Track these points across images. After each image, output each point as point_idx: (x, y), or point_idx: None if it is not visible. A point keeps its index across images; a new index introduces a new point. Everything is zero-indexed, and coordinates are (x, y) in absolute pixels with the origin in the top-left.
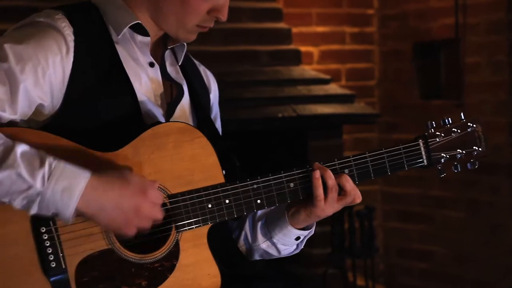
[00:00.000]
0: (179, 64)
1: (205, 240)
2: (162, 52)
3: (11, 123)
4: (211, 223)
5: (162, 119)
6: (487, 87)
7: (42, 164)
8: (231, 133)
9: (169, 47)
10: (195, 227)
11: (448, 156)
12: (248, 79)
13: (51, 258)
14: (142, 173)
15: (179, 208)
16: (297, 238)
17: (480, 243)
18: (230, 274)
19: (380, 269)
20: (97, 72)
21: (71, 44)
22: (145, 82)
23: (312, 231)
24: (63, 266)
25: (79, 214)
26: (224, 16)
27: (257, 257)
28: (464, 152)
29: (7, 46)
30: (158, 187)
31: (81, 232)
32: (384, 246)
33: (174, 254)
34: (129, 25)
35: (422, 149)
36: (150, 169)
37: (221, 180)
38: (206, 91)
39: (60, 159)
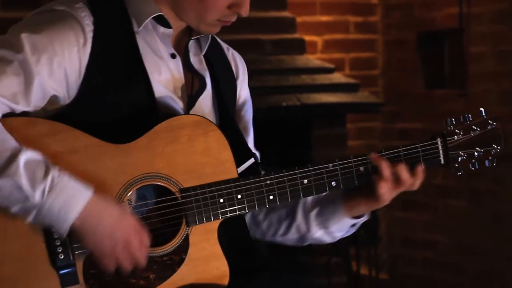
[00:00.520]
0: (203, 53)
1: (215, 235)
2: (186, 42)
3: (24, 113)
4: (222, 218)
5: (181, 112)
6: (491, 77)
7: (45, 176)
8: None
9: (193, 38)
10: (206, 221)
11: (466, 155)
12: (252, 68)
13: (60, 251)
14: (155, 165)
15: (190, 202)
16: (353, 225)
17: (483, 232)
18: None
19: (383, 258)
20: (115, 63)
21: (90, 35)
22: (165, 74)
23: (367, 216)
24: (71, 259)
25: (73, 230)
26: (245, 12)
27: (307, 243)
28: (482, 150)
29: (23, 36)
30: (172, 180)
31: None
32: (387, 235)
33: (183, 248)
34: (151, 17)
35: (440, 148)
36: (162, 162)
37: (235, 174)
38: (232, 78)
39: (65, 172)
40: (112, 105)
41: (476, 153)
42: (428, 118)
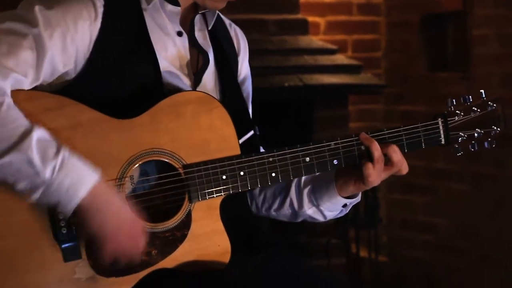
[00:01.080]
0: (209, 29)
1: (218, 211)
2: (192, 18)
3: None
4: (224, 194)
5: (186, 88)
6: (494, 60)
7: (56, 154)
8: None
9: (199, 12)
10: (208, 198)
11: (466, 135)
12: (255, 47)
13: (63, 224)
14: (159, 141)
15: (193, 178)
16: (344, 205)
17: (484, 216)
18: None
19: (383, 241)
20: (122, 40)
21: (100, 10)
22: (171, 51)
23: (358, 198)
24: (74, 233)
25: (79, 209)
26: None
27: (300, 220)
28: (482, 131)
29: (37, 10)
30: (175, 155)
31: None
32: (387, 217)
33: (185, 224)
34: None
35: (441, 128)
36: (166, 137)
37: (237, 151)
38: (234, 54)
39: (74, 153)
40: (118, 80)
41: (476, 134)
42: (430, 101)
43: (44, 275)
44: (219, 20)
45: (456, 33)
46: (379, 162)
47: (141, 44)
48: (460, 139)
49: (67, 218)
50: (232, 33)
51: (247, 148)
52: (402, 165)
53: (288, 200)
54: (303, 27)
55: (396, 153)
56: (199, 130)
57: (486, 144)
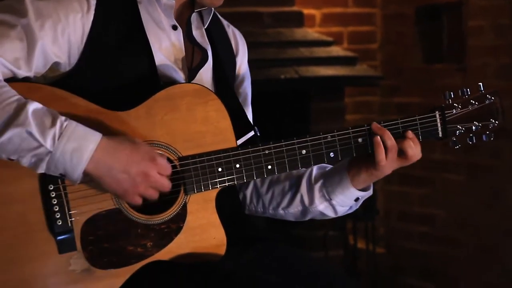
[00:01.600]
0: (205, 27)
1: (213, 204)
2: (189, 15)
3: (25, 79)
4: (220, 187)
5: (181, 81)
6: (490, 51)
7: (53, 123)
8: None
9: (196, 10)
10: (204, 190)
11: (464, 128)
12: (251, 40)
13: (58, 216)
14: (154, 133)
15: (189, 170)
16: (356, 199)
17: (480, 206)
18: (232, 234)
19: (380, 232)
20: (117, 32)
21: (93, 2)
22: (165, 45)
23: (370, 192)
24: (69, 225)
25: (87, 175)
26: None
27: (307, 218)
28: (480, 124)
29: (28, 2)
30: (170, 148)
31: (89, 191)
32: (384, 209)
33: (181, 216)
34: None
35: (438, 121)
36: (162, 130)
37: (233, 144)
38: (232, 54)
39: (71, 119)
40: (113, 72)
41: (474, 127)
42: (426, 92)
43: (39, 268)
44: (216, 20)
45: (452, 25)
46: (392, 151)
47: (135, 36)
48: (457, 132)
49: (61, 206)
50: (230, 33)
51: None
52: (416, 158)
53: (298, 197)
54: (299, 20)
55: (411, 148)
56: (195, 122)
57: (484, 137)
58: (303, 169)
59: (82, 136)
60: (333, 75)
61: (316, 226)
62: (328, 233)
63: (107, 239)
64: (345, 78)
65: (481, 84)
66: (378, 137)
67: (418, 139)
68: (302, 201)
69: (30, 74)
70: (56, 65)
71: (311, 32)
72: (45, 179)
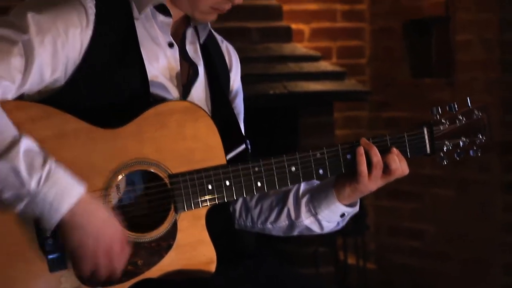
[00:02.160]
0: (201, 42)
1: (203, 221)
2: (184, 30)
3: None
4: (210, 204)
5: (173, 99)
6: (478, 65)
7: (43, 165)
8: None
9: (191, 25)
10: (194, 208)
11: (451, 144)
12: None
13: (48, 235)
14: (144, 151)
15: (179, 188)
16: (342, 215)
17: (470, 221)
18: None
19: (371, 248)
20: (112, 48)
21: (92, 18)
22: (162, 62)
23: (356, 208)
24: (60, 243)
25: (61, 223)
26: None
27: (295, 233)
28: (468, 140)
29: (29, 16)
30: (160, 165)
31: None
32: (374, 224)
33: (171, 234)
34: (152, 5)
35: (426, 137)
36: (151, 147)
37: (223, 161)
38: (226, 70)
39: (61, 165)
40: (106, 89)
41: (461, 143)
42: (415, 107)
43: (30, 286)
44: (211, 35)
45: (440, 39)
46: (376, 167)
47: (130, 53)
48: (445, 147)
49: (50, 231)
50: (223, 49)
51: (237, 162)
52: (400, 173)
53: (285, 211)
54: (287, 35)
55: (395, 162)
56: (184, 139)
57: (471, 152)
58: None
59: (67, 186)
60: (322, 90)
61: (306, 242)
62: (318, 249)
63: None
64: (334, 93)
65: (468, 99)
66: (361, 148)
67: (407, 156)
68: (289, 215)
69: (25, 88)
70: (52, 81)
71: (300, 47)
72: None
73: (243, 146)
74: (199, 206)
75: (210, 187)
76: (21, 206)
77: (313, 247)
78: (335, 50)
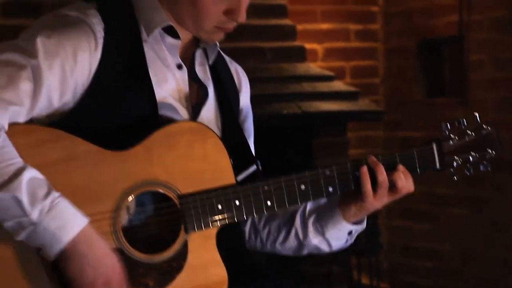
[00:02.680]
0: (210, 64)
1: (214, 241)
2: (193, 52)
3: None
4: (220, 224)
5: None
6: (491, 85)
7: (46, 196)
8: None
9: (201, 46)
10: (204, 228)
11: (461, 159)
12: (252, 76)
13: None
14: (153, 172)
15: (189, 208)
16: (349, 233)
17: (484, 240)
18: (234, 272)
19: (384, 267)
20: (121, 71)
21: (100, 41)
22: (170, 83)
23: (363, 225)
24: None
25: (61, 255)
26: (240, 18)
27: (305, 252)
28: (477, 155)
29: (38, 40)
30: (170, 186)
31: None
32: (388, 244)
33: (182, 254)
34: (160, 27)
35: (436, 153)
36: (160, 168)
37: (232, 181)
38: (235, 91)
39: (64, 197)
40: (115, 112)
41: (471, 158)
42: (429, 126)
43: None
44: (219, 56)
45: (453, 58)
46: (382, 186)
47: (139, 75)
48: (455, 163)
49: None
50: (232, 70)
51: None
52: (407, 191)
53: (293, 231)
54: (301, 54)
55: (401, 180)
56: (193, 160)
57: (482, 167)
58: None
59: (69, 218)
60: (335, 110)
61: (320, 262)
62: (332, 268)
63: None
64: (348, 113)
65: (477, 114)
66: (365, 167)
67: (416, 172)
68: (297, 235)
69: (34, 112)
70: (61, 105)
71: (313, 67)
72: None
73: (254, 167)
74: (209, 226)
75: (220, 207)
76: (23, 235)
77: (327, 266)
78: (348, 69)
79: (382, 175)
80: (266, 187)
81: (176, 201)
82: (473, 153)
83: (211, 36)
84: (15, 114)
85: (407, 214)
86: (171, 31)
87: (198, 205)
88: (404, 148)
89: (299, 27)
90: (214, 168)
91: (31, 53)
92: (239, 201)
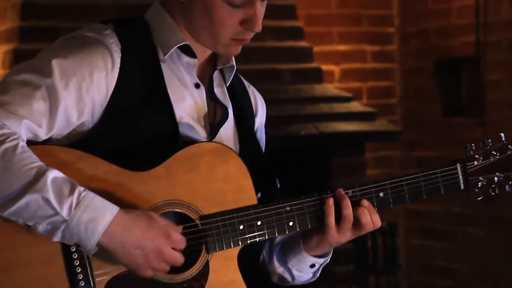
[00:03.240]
0: (227, 85)
1: (235, 261)
2: (211, 73)
3: (46, 140)
4: (242, 244)
5: (202, 140)
6: (509, 104)
7: (71, 192)
8: None
9: (218, 68)
10: (226, 248)
11: (486, 180)
12: (270, 97)
13: (80, 278)
14: (175, 193)
15: (210, 229)
16: (312, 266)
17: (502, 259)
18: None
19: (403, 287)
20: (139, 91)
21: (117, 61)
22: (188, 102)
23: (327, 259)
24: (92, 286)
25: (101, 247)
26: (256, 27)
27: (275, 280)
28: (502, 175)
29: (53, 61)
30: (192, 207)
31: None
32: (406, 263)
33: (203, 274)
34: (177, 46)
35: (460, 173)
36: (182, 189)
37: (254, 201)
38: (252, 113)
39: (89, 191)
40: (134, 132)
41: (496, 178)
42: (446, 146)
43: None
44: (237, 78)
45: (470, 78)
46: (345, 220)
47: (157, 95)
48: (479, 183)
49: (84, 266)
50: (250, 94)
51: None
52: (371, 227)
53: (261, 258)
54: (318, 76)
55: (365, 216)
56: (215, 181)
57: (507, 187)
58: None
59: (99, 208)
60: (353, 131)
61: (339, 282)
62: (351, 287)
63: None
64: (365, 134)
65: (502, 134)
66: (331, 199)
67: (440, 192)
68: (264, 262)
69: (52, 133)
70: (80, 125)
71: (331, 88)
72: None
73: (273, 186)
74: (231, 247)
75: (241, 227)
76: (58, 234)
77: (346, 285)
78: (365, 90)
79: (347, 209)
80: (288, 208)
81: (198, 221)
82: (498, 174)
83: (228, 49)
84: (30, 129)
85: (425, 233)
86: (187, 50)
87: (220, 226)
88: (421, 168)
89: (316, 48)
90: (235, 188)
91: (47, 73)
92: (261, 222)
